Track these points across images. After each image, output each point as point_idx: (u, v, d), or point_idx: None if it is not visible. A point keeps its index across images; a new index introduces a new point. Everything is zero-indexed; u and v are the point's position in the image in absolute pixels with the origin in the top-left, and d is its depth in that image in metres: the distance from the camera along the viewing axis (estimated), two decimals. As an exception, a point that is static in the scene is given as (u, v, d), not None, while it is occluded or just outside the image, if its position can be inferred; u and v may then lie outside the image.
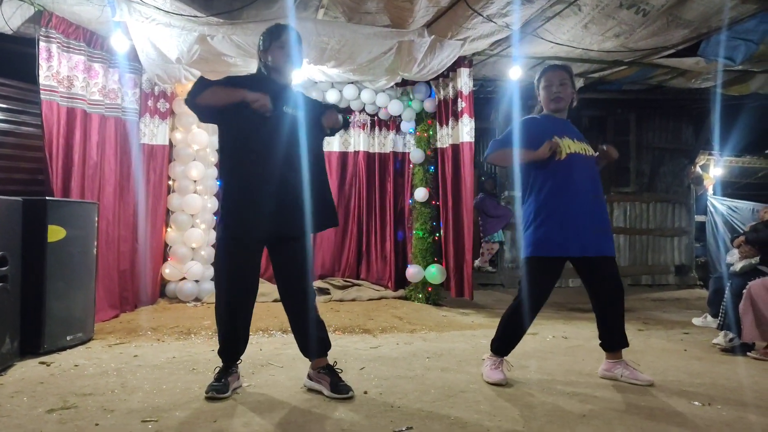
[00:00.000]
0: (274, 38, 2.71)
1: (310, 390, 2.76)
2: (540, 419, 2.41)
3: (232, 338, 2.73)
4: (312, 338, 2.74)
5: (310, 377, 2.79)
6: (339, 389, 2.65)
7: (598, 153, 3.03)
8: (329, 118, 2.74)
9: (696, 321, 4.95)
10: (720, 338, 3.88)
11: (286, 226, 2.64)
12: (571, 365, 3.38)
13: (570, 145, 2.89)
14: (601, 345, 3.05)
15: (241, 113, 2.56)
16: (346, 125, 2.98)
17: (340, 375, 2.75)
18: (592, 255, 2.88)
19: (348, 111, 6.29)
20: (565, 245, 2.84)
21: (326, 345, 2.81)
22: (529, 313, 2.89)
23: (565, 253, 2.87)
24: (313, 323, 2.74)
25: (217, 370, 2.75)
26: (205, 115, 2.74)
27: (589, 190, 2.88)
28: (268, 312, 5.00)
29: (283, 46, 2.69)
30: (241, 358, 2.81)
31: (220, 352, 2.76)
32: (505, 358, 3.01)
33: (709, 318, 4.77)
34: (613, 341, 3.00)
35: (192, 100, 2.59)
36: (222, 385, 2.65)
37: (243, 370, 3.12)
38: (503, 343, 2.99)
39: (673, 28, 4.74)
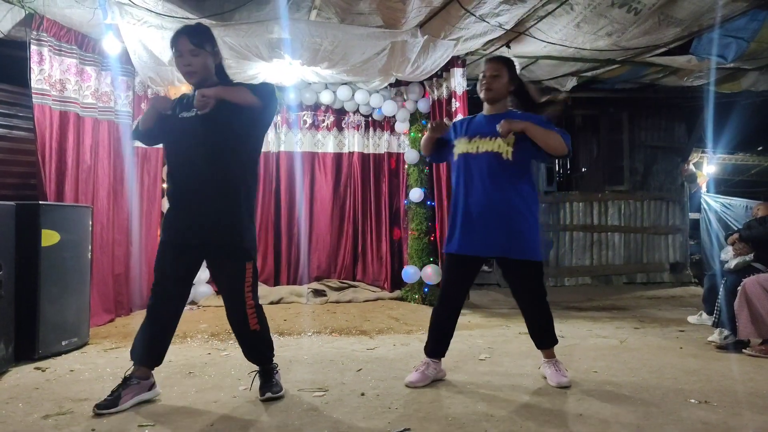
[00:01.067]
0: (172, 48, 2.54)
1: None
2: (537, 419, 2.41)
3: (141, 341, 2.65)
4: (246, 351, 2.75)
5: None
6: (261, 391, 2.67)
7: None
8: (200, 102, 2.41)
9: (691, 319, 4.97)
10: (715, 335, 3.89)
11: (196, 236, 2.53)
12: (567, 364, 3.38)
13: (460, 146, 2.91)
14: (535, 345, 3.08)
15: (162, 128, 2.60)
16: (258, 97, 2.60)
17: (273, 376, 2.73)
18: (496, 255, 2.88)
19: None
20: (462, 244, 2.86)
21: (261, 357, 2.76)
22: (445, 310, 2.97)
23: (467, 251, 2.86)
24: (246, 337, 2.71)
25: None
26: (147, 140, 2.79)
27: (480, 189, 2.82)
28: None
29: (181, 55, 2.51)
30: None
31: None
32: (432, 360, 2.99)
33: (705, 315, 4.78)
34: (536, 340, 3.04)
35: (134, 134, 2.71)
36: (111, 400, 2.48)
37: (240, 373, 3.13)
38: (428, 343, 3.04)
39: (664, 26, 4.76)
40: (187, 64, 2.50)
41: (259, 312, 2.70)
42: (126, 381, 2.58)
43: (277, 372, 2.78)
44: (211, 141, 2.51)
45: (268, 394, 2.64)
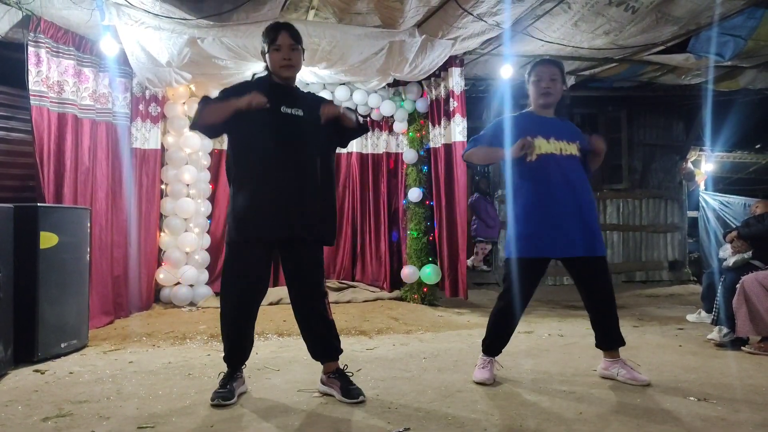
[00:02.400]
0: (268, 41, 2.62)
1: (325, 394, 2.73)
2: (537, 418, 2.42)
3: (238, 342, 2.71)
4: (320, 342, 2.74)
5: (322, 381, 2.77)
6: (349, 393, 2.62)
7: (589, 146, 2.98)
8: (327, 108, 2.64)
9: (690, 317, 4.98)
10: (714, 333, 3.90)
11: (287, 229, 2.57)
12: (566, 363, 3.39)
13: (542, 146, 2.83)
14: (597, 345, 3.05)
15: (242, 120, 2.54)
16: (363, 129, 2.89)
17: (351, 378, 2.72)
18: (579, 255, 2.85)
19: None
20: (548, 246, 2.83)
21: (337, 349, 2.76)
22: (516, 312, 2.91)
23: (549, 254, 2.86)
24: (323, 328, 2.72)
25: (222, 375, 2.72)
26: (211, 133, 2.81)
27: (568, 190, 2.84)
28: (264, 315, 4.97)
29: (279, 49, 2.61)
30: (245, 363, 2.78)
31: (226, 358, 2.72)
32: (494, 358, 3.00)
33: (703, 313, 4.79)
34: (607, 341, 3.00)
35: (195, 125, 2.65)
36: (227, 392, 2.61)
37: (239, 374, 3.13)
38: (492, 343, 3.00)
39: (662, 24, 4.77)
40: (287, 58, 2.60)
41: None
42: (233, 375, 2.70)
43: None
44: (316, 142, 2.66)
45: (362, 398, 2.61)
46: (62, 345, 3.61)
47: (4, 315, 3.19)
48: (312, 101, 2.75)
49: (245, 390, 2.78)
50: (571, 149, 2.88)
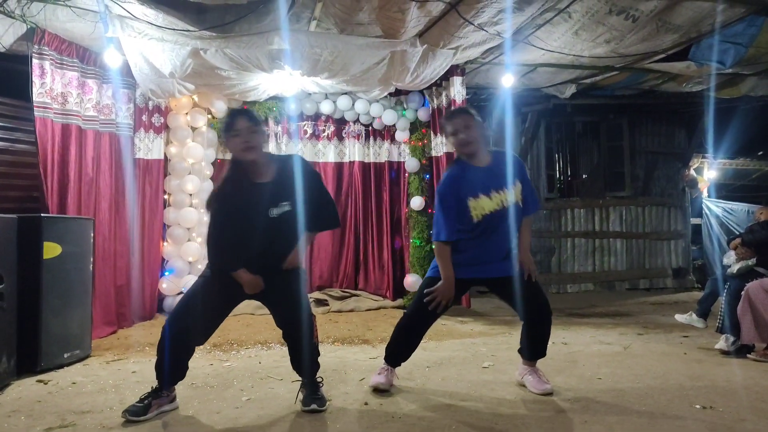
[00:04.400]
0: (226, 129, 2.62)
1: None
2: (542, 426, 2.40)
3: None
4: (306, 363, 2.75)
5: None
6: (305, 402, 2.65)
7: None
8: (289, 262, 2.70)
9: (679, 317, 4.85)
10: (721, 342, 3.85)
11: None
12: (571, 371, 3.38)
13: (485, 206, 2.85)
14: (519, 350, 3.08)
15: (227, 222, 2.63)
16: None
17: (320, 389, 2.74)
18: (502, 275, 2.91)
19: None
20: (469, 271, 2.91)
21: (316, 368, 2.79)
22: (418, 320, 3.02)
23: (468, 275, 2.92)
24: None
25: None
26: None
27: (502, 241, 2.89)
28: (267, 325, 4.97)
29: (239, 135, 2.58)
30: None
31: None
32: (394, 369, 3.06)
33: (694, 316, 4.69)
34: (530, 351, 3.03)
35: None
36: (141, 407, 2.54)
37: (243, 384, 3.12)
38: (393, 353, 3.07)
39: (662, 33, 4.78)
40: (246, 140, 2.58)
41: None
42: (158, 392, 2.64)
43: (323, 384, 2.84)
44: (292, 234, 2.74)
45: (314, 406, 2.63)
46: (65, 355, 3.61)
47: (7, 325, 3.19)
48: (296, 175, 2.69)
49: (172, 408, 2.67)
50: (511, 196, 2.87)
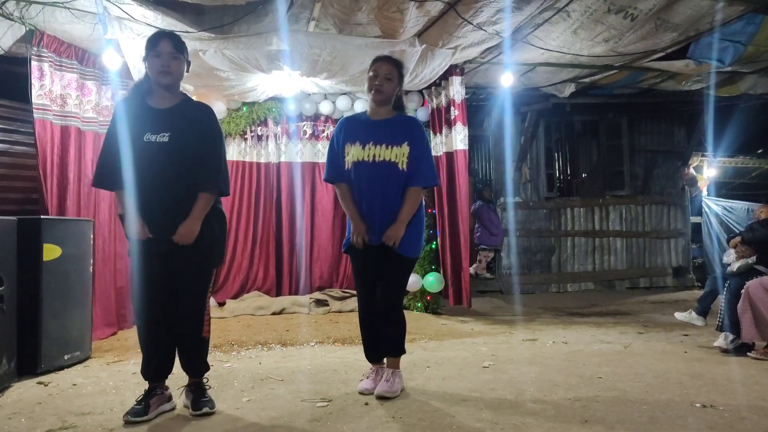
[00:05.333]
0: (148, 46, 2.54)
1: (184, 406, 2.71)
2: (542, 426, 2.40)
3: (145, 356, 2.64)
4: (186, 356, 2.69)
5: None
6: (197, 406, 2.61)
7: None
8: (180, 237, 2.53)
9: (678, 315, 4.86)
10: (721, 340, 3.87)
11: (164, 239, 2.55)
12: (571, 371, 3.38)
13: (355, 153, 2.84)
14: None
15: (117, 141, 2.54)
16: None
17: (205, 392, 2.69)
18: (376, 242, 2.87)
19: None
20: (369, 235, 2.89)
21: (204, 367, 2.72)
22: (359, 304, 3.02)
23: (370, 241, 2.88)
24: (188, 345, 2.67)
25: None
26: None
27: (372, 200, 2.85)
28: (267, 325, 4.98)
29: (158, 55, 2.51)
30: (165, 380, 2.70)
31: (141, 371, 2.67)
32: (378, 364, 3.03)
33: (694, 314, 4.70)
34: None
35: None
36: (140, 408, 2.52)
37: (243, 384, 3.12)
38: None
39: (661, 31, 4.78)
40: (165, 65, 2.52)
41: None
42: (151, 392, 2.61)
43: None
44: (181, 166, 2.58)
45: (206, 409, 2.60)
46: (65, 357, 3.61)
47: (7, 327, 3.19)
48: (184, 118, 2.59)
49: (170, 408, 2.66)
50: (387, 154, 2.83)
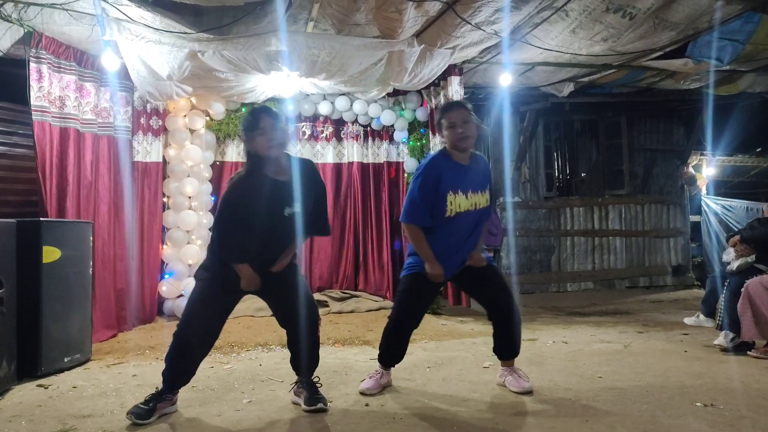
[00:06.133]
0: (250, 127, 2.65)
1: (294, 403, 2.78)
2: (543, 425, 2.40)
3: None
4: (305, 359, 2.81)
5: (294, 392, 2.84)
6: (309, 401, 2.67)
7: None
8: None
9: (688, 320, 4.91)
10: (721, 338, 3.87)
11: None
12: (572, 370, 3.38)
13: (461, 203, 2.87)
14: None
15: (242, 215, 2.64)
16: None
17: (318, 389, 2.77)
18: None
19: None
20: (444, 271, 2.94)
21: (316, 365, 2.86)
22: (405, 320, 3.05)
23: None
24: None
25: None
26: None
27: (465, 241, 2.93)
28: (267, 327, 4.97)
29: (264, 133, 2.62)
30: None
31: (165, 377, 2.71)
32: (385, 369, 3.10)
33: (702, 317, 4.73)
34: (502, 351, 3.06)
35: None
36: (146, 410, 2.56)
37: (244, 386, 3.12)
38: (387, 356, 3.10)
39: (660, 30, 4.78)
40: (271, 138, 2.64)
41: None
42: (161, 395, 2.65)
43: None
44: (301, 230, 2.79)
45: (320, 405, 2.65)
46: (65, 359, 3.61)
47: (7, 330, 3.19)
48: (305, 176, 2.76)
49: (172, 411, 2.69)
50: (483, 200, 2.94)
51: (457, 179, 2.88)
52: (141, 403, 2.58)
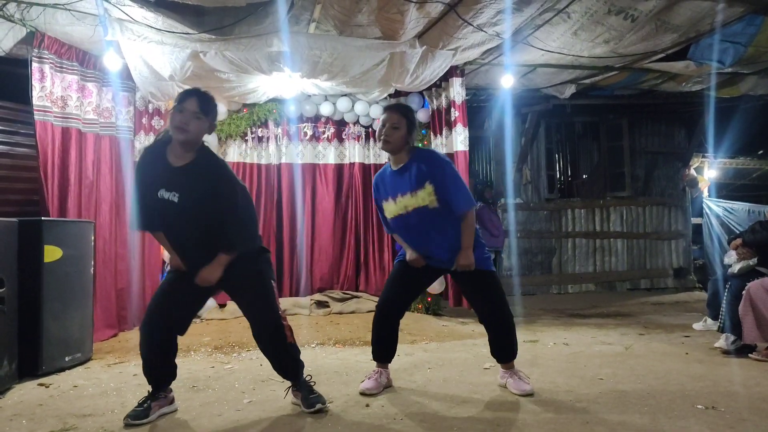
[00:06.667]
0: (177, 100, 2.55)
1: (294, 404, 2.76)
2: (543, 427, 2.40)
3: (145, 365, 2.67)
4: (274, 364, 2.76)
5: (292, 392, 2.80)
6: (308, 403, 2.64)
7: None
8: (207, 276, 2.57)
9: (696, 326, 4.93)
10: (722, 341, 3.87)
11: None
12: (572, 372, 3.37)
13: (390, 209, 3.01)
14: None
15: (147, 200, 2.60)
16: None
17: (312, 388, 2.75)
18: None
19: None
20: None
21: (300, 367, 2.78)
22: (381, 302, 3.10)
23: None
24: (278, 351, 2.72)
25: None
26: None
27: (424, 242, 2.97)
28: (268, 327, 4.97)
29: (181, 111, 2.50)
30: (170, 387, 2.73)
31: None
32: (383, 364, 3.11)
33: (709, 321, 4.75)
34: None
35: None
36: (141, 411, 2.55)
37: (245, 386, 3.12)
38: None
39: (661, 32, 4.78)
40: (185, 122, 2.50)
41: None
42: (154, 395, 2.64)
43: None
44: (196, 221, 2.62)
45: (318, 405, 2.64)
46: (66, 358, 3.61)
47: (8, 329, 3.19)
48: (195, 178, 2.55)
49: (171, 410, 2.69)
50: (416, 201, 2.91)
51: (387, 187, 3.04)
52: (136, 406, 2.58)
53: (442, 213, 2.91)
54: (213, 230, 2.55)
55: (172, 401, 2.71)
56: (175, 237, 2.62)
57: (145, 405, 2.57)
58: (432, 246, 2.96)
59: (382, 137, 2.94)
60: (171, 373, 2.69)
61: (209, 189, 2.52)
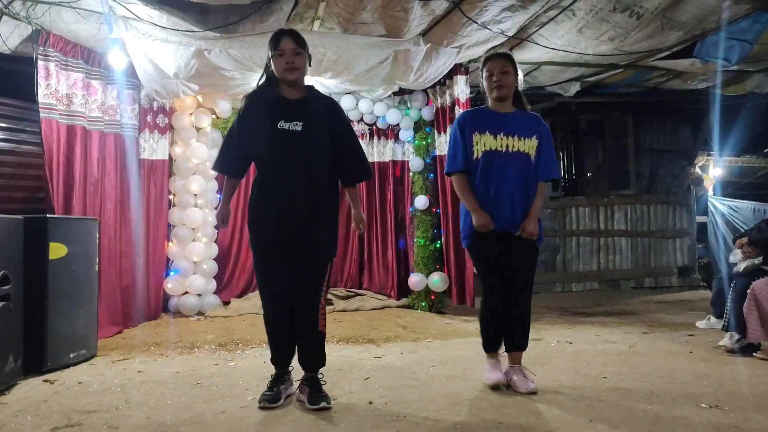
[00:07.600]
0: (272, 46, 2.65)
1: (298, 401, 2.77)
2: (547, 425, 2.40)
3: (272, 344, 2.81)
4: (305, 352, 2.79)
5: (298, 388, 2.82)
6: (312, 400, 2.65)
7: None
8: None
9: (700, 324, 4.91)
10: (726, 340, 3.86)
11: (290, 240, 2.66)
12: (576, 370, 3.37)
13: (486, 142, 2.89)
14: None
15: (249, 141, 2.69)
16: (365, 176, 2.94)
17: (321, 387, 2.75)
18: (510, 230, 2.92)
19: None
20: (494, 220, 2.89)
21: (320, 361, 2.81)
22: (491, 297, 2.98)
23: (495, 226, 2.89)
24: (309, 338, 2.76)
25: (270, 378, 2.80)
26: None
27: (506, 189, 2.88)
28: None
29: (282, 54, 2.62)
30: (291, 365, 2.84)
31: (272, 360, 2.83)
32: (498, 354, 3.06)
33: (713, 320, 4.73)
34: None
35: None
36: (273, 395, 2.69)
37: (248, 383, 3.13)
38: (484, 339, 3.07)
39: (667, 30, 4.76)
40: (290, 61, 2.61)
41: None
42: (279, 377, 2.78)
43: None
44: (318, 156, 2.73)
45: (323, 404, 2.64)
46: (71, 355, 3.63)
47: (13, 325, 3.21)
48: (319, 110, 2.73)
49: (293, 392, 2.81)
50: (521, 145, 2.90)
51: (487, 122, 2.92)
52: (266, 390, 2.72)
53: (532, 172, 2.91)
54: (329, 161, 2.70)
55: (292, 383, 2.83)
56: (287, 170, 2.63)
57: (275, 389, 2.71)
58: (506, 195, 2.86)
59: (495, 84, 2.89)
60: (294, 350, 2.80)
61: (331, 119, 2.71)
